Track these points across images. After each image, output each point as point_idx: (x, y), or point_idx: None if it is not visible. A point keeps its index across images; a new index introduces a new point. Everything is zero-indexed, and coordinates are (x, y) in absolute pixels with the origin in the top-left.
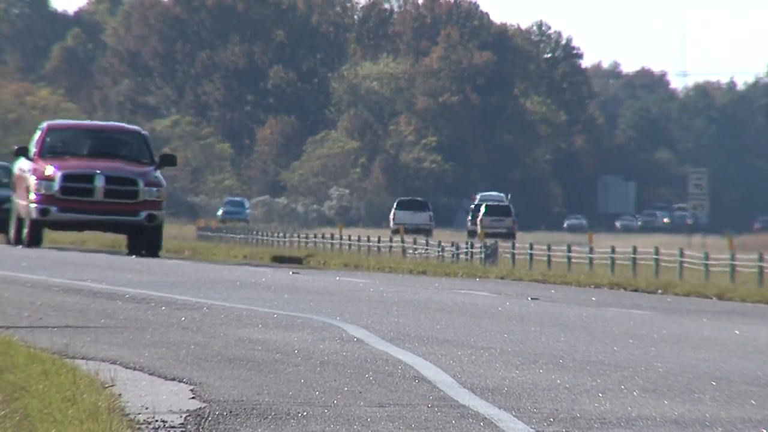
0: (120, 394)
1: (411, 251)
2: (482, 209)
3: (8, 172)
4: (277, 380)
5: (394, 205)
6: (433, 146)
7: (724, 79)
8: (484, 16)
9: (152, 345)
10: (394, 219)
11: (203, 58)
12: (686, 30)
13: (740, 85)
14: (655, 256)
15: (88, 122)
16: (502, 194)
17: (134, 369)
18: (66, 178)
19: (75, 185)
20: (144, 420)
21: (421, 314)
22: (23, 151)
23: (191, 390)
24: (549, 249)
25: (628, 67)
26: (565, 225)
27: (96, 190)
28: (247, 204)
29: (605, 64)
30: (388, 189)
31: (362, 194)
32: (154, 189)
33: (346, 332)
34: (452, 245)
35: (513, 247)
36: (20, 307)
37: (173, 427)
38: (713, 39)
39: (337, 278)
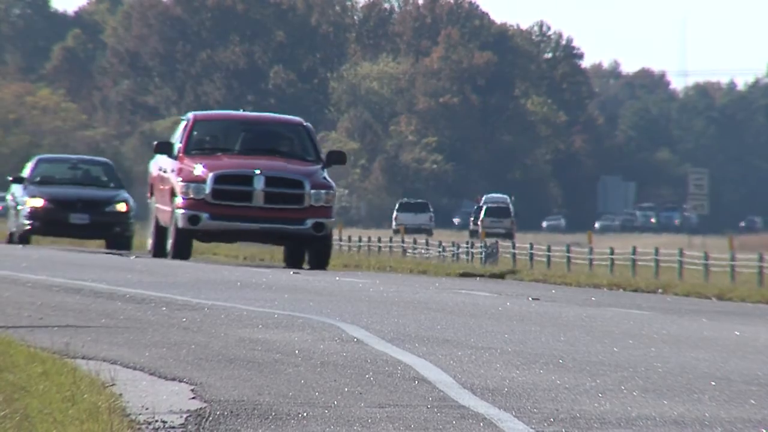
0: (120, 394)
1: (411, 251)
2: (483, 210)
3: (110, 169)
4: (277, 380)
5: (396, 207)
6: (434, 147)
7: (724, 80)
8: (484, 16)
9: (153, 345)
10: (396, 220)
11: (203, 58)
12: (686, 30)
13: (740, 86)
14: (655, 257)
15: (241, 113)
16: (505, 196)
17: (135, 369)
18: (219, 179)
19: (230, 188)
20: (144, 420)
21: (421, 314)
22: (165, 148)
23: (192, 390)
24: (549, 249)
25: (628, 67)
26: (543, 225)
27: (255, 194)
28: None
29: (605, 65)
30: (389, 189)
31: (362, 195)
32: (323, 192)
33: (345, 332)
34: (453, 245)
35: (513, 247)
36: (20, 306)
37: (174, 427)
38: (713, 39)
39: (337, 278)
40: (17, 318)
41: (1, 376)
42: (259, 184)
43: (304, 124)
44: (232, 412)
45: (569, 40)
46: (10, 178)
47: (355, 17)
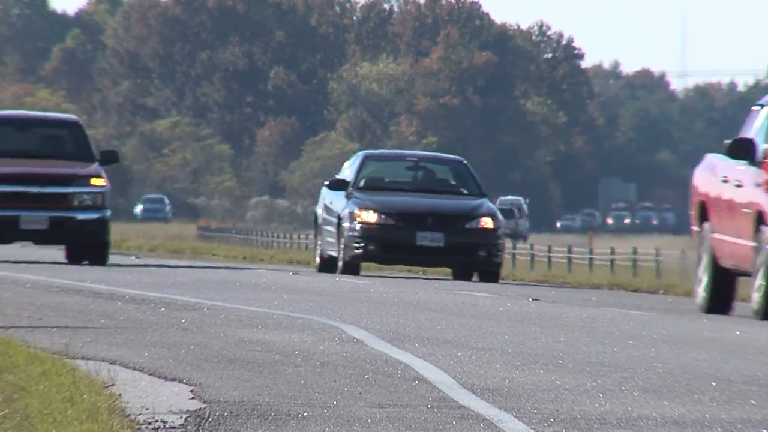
0: (120, 395)
1: None
2: None
3: (464, 170)
4: (277, 381)
5: None
6: (434, 147)
7: (725, 81)
8: (484, 17)
9: (152, 345)
10: None
11: (203, 59)
12: (686, 30)
13: (741, 87)
14: (656, 258)
15: None
16: (519, 198)
17: (134, 369)
18: None
19: None
20: (144, 420)
21: (421, 315)
22: (741, 148)
23: (191, 390)
24: (549, 250)
25: (628, 68)
26: None
27: None
28: (167, 201)
29: (606, 65)
30: None
31: None
32: None
33: (345, 333)
34: None
35: (514, 248)
36: (20, 307)
37: (173, 427)
38: (713, 39)
39: (337, 279)
40: (17, 318)
41: (1, 376)
42: None
43: None
44: (231, 412)
45: (569, 41)
46: (326, 183)
47: (355, 18)
